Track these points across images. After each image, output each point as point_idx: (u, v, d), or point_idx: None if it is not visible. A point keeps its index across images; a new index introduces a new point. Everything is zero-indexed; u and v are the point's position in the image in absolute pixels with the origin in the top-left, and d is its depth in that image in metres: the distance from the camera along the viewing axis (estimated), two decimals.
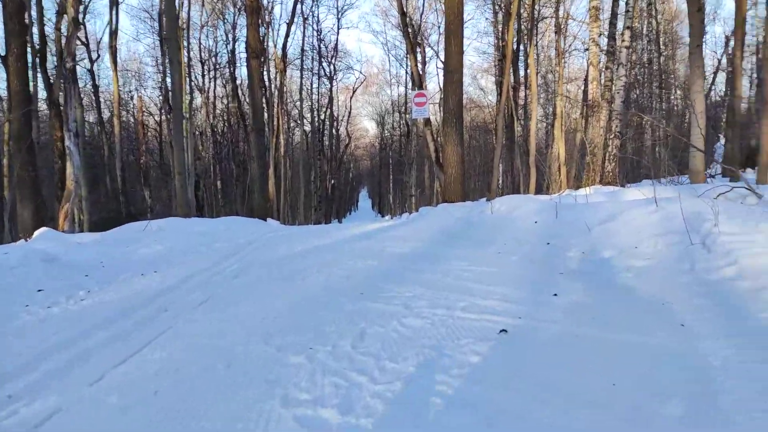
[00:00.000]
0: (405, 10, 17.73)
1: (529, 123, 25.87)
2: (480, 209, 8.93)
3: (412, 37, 17.52)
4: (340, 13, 31.12)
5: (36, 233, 9.47)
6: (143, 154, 22.11)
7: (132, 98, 28.81)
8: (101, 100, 26.47)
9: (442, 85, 10.79)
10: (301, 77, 23.72)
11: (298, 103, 28.22)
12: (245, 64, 14.04)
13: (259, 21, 13.53)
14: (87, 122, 31.74)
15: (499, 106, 11.70)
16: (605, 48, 16.82)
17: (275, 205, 23.14)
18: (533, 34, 17.58)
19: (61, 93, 12.30)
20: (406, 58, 27.11)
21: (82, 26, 10.73)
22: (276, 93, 22.88)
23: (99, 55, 23.48)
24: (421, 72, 17.56)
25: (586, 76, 21.23)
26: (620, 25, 15.03)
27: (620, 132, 15.51)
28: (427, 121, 17.74)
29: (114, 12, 19.69)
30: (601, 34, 16.57)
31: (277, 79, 22.34)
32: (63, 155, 15.80)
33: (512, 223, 6.76)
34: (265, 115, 23.40)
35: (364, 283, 4.47)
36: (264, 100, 23.50)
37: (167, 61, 11.39)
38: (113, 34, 19.79)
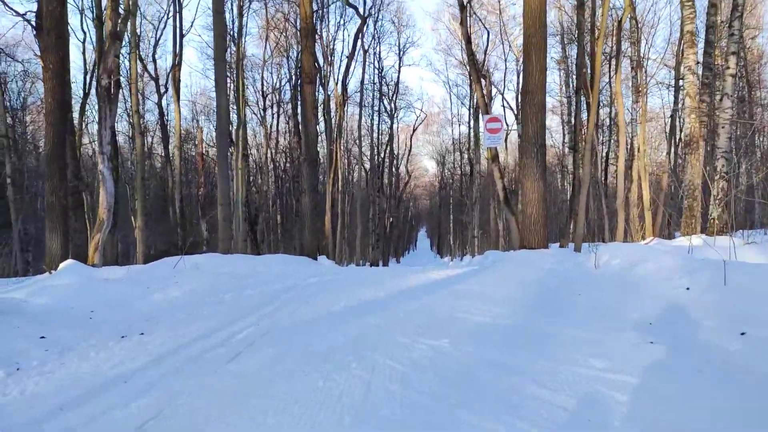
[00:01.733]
0: (470, 37, 16.02)
1: (599, 162, 23.27)
2: (575, 260, 6.74)
3: (478, 66, 15.74)
4: (401, 51, 30.01)
5: (61, 266, 8.14)
6: (201, 185, 21.30)
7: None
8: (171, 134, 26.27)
9: (520, 109, 8.88)
10: (360, 113, 22.43)
11: (357, 140, 26.93)
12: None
13: (314, 44, 12.14)
14: (158, 155, 31.78)
15: (587, 134, 9.57)
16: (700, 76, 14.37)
17: (331, 242, 21.52)
18: (619, 65, 15.35)
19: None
20: (470, 90, 25.40)
21: (119, 42, 9.52)
22: (335, 127, 21.62)
23: (167, 89, 23.09)
24: (487, 102, 15.69)
25: (673, 112, 18.71)
26: (725, 49, 12.65)
27: (727, 173, 12.85)
28: (495, 157, 15.70)
29: (178, 44, 19.17)
30: (698, 63, 14.22)
31: (337, 113, 21.12)
32: (114, 183, 14.88)
33: (640, 286, 4.57)
34: (323, 148, 22.10)
35: (426, 402, 2.47)
36: (322, 134, 22.26)
37: (215, 84, 10.00)
38: (176, 65, 19.21)
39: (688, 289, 4.02)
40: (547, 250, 8.62)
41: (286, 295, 6.37)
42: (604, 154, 24.60)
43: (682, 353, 2.95)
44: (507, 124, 23.71)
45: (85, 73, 19.68)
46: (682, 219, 13.92)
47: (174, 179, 21.19)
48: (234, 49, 22.47)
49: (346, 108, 24.08)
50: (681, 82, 18.55)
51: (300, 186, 16.40)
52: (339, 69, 23.29)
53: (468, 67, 19.61)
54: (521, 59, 28.42)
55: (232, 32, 21.28)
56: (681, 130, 19.44)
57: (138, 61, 25.73)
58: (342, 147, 28.52)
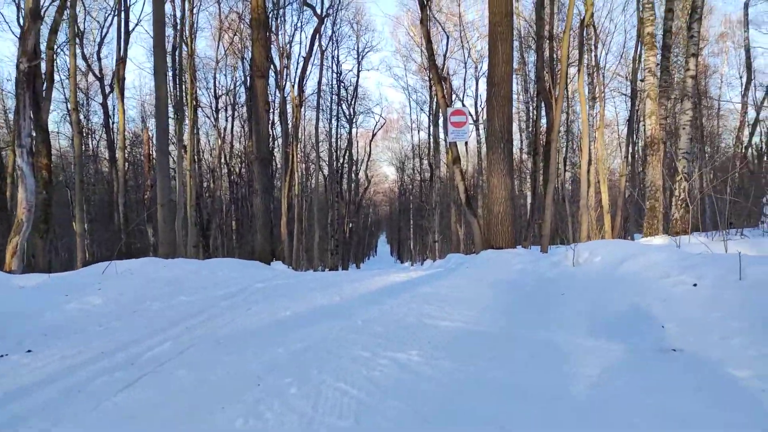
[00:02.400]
0: (430, 36, 15.48)
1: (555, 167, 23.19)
2: (549, 259, 6.10)
3: (438, 66, 15.18)
4: (360, 55, 29.34)
5: None
6: (148, 189, 19.88)
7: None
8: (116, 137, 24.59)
9: (485, 102, 8.28)
10: (317, 117, 21.54)
11: (315, 144, 26.00)
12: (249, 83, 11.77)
13: (267, 37, 11.24)
14: (104, 158, 29.88)
15: (552, 135, 9.08)
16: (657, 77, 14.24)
17: (287, 247, 20.48)
18: (582, 66, 15.08)
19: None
20: (430, 95, 24.92)
21: (41, 20, 8.39)
22: (291, 129, 20.64)
23: (112, 89, 21.59)
24: (447, 104, 15.13)
25: (629, 118, 18.73)
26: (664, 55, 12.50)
27: (687, 174, 12.66)
28: (456, 159, 15.13)
29: (123, 39, 17.83)
30: (657, 65, 14.12)
31: (293, 115, 20.17)
32: (47, 184, 13.46)
33: (633, 283, 3.92)
34: (279, 151, 21.14)
35: None
36: (279, 138, 21.26)
37: (153, 73, 8.96)
38: (120, 62, 17.85)
39: (695, 285, 3.38)
40: (514, 249, 8.01)
41: (226, 302, 5.46)
42: (561, 159, 24.59)
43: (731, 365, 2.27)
44: (472, 118, 23.30)
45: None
46: (644, 220, 13.71)
47: (118, 182, 19.69)
48: (185, 48, 21.25)
49: (303, 110, 23.13)
50: (641, 85, 18.58)
51: (251, 187, 15.33)
52: (296, 71, 22.37)
53: (428, 68, 19.08)
54: (480, 64, 28.40)
55: (180, 28, 20.08)
56: (637, 135, 19.49)
57: (81, 58, 24.12)
58: (299, 151, 27.53)
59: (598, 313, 3.46)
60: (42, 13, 8.35)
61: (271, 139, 28.56)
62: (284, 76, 21.80)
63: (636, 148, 20.23)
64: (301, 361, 2.75)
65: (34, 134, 8.85)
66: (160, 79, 9.40)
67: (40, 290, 6.35)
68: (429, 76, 24.67)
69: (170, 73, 21.21)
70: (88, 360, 3.01)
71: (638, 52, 18.50)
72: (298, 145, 23.99)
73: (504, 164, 8.11)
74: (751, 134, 23.81)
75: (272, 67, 21.90)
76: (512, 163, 8.38)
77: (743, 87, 21.58)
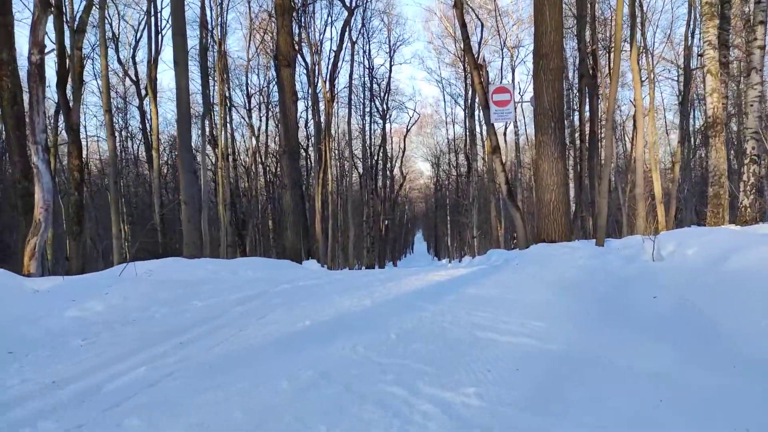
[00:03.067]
0: (465, 21, 14.41)
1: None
2: (619, 254, 5.06)
3: (475, 53, 14.14)
4: (392, 50, 28.40)
5: None
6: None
7: None
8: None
9: (532, 77, 7.28)
10: (349, 111, 20.71)
11: (348, 141, 25.22)
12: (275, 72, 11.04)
13: (292, 23, 10.48)
14: (145, 161, 30.00)
15: (608, 112, 7.95)
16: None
17: (322, 245, 19.79)
18: (634, 39, 13.70)
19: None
20: (465, 86, 23.76)
21: (52, 10, 7.84)
22: (324, 125, 19.93)
23: (147, 92, 21.40)
24: (485, 90, 14.03)
25: (683, 97, 17.11)
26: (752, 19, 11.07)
27: (757, 156, 11.19)
28: (496, 149, 14.05)
29: (154, 41, 17.50)
30: (718, 37, 12.68)
31: (325, 110, 19.45)
32: (79, 186, 13.12)
33: (762, 286, 2.88)
34: (311, 146, 20.49)
35: None
36: (311, 136, 20.60)
37: (173, 64, 8.30)
38: (152, 63, 17.52)
39: None
40: (570, 243, 6.95)
41: (241, 307, 4.66)
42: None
43: None
44: (518, 96, 22.05)
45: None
46: (708, 209, 12.30)
47: (152, 183, 19.44)
48: (216, 47, 20.86)
49: (336, 105, 22.40)
50: (695, 63, 16.96)
51: (281, 181, 14.66)
52: (327, 67, 21.66)
53: (464, 53, 18.00)
54: (516, 52, 26.98)
55: (211, 27, 19.66)
56: (690, 119, 17.84)
57: (117, 62, 24.13)
58: (332, 147, 26.87)
59: (726, 329, 2.46)
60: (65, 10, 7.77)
61: (303, 136, 28.02)
62: (316, 72, 21.13)
63: (689, 133, 18.54)
64: (306, 406, 1.88)
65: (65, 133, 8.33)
66: (180, 71, 8.75)
67: (51, 294, 5.74)
68: (464, 65, 23.55)
69: (199, 72, 20.87)
70: (20, 396, 2.22)
71: (690, 29, 16.87)
72: (331, 141, 23.28)
73: (555, 147, 7.07)
74: None
75: (303, 62, 21.29)
76: (565, 145, 7.33)
77: None
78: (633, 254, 4.76)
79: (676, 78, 23.20)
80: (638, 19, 18.06)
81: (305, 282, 6.66)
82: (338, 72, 21.09)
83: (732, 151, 17.37)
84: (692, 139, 19.51)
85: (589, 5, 17.86)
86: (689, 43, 16.90)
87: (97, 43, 18.59)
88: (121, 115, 29.02)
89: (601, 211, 8.31)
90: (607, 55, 21.74)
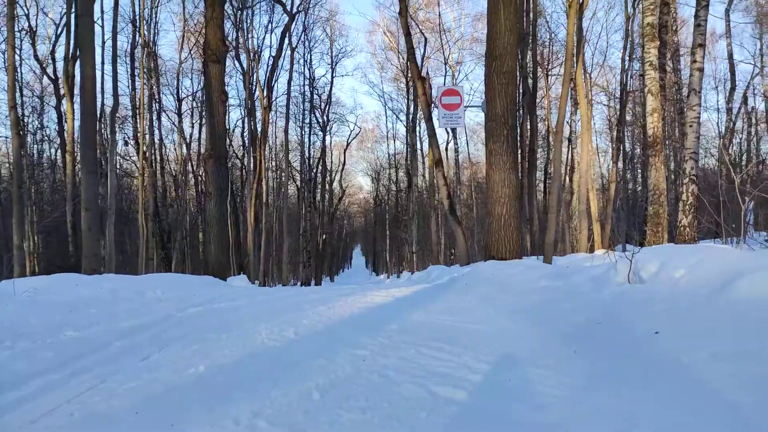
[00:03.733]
0: (410, 30, 13.89)
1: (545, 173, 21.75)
2: (585, 275, 4.39)
3: (418, 62, 13.60)
4: (334, 62, 27.67)
5: None
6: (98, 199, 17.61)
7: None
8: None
9: (484, 81, 6.67)
10: (287, 118, 19.56)
11: (284, 152, 24.05)
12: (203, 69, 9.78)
13: (222, 16, 9.43)
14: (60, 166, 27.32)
15: (557, 125, 7.48)
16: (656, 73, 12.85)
17: (253, 259, 18.45)
18: (581, 55, 13.64)
19: None
20: (407, 102, 23.32)
21: None
22: (259, 133, 18.72)
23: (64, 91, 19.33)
24: (429, 102, 13.47)
25: (620, 117, 17.37)
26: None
27: (695, 176, 11.18)
28: (438, 162, 13.48)
29: (72, 35, 15.68)
30: (659, 57, 12.81)
31: (262, 117, 18.25)
32: None
33: None
34: (243, 153, 19.25)
35: None
36: (242, 143, 19.35)
37: (77, 50, 7.06)
38: (70, 59, 15.67)
39: None
40: (521, 260, 6.30)
41: (125, 341, 3.57)
42: (542, 167, 23.21)
43: None
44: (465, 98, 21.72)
45: None
46: (647, 227, 12.23)
47: (66, 189, 17.39)
48: (142, 44, 19.22)
49: (273, 114, 21.22)
50: (633, 84, 17.29)
51: (204, 189, 13.31)
52: (265, 74, 20.52)
53: (407, 62, 17.49)
54: (458, 70, 26.99)
55: (138, 24, 18.09)
56: (619, 140, 18.16)
57: (34, 59, 21.81)
58: (268, 156, 25.57)
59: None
60: None
61: (239, 145, 26.50)
62: (253, 79, 19.94)
63: (624, 153, 18.89)
64: None
65: None
66: (86, 55, 7.46)
67: None
68: (407, 80, 23.15)
69: (127, 72, 19.13)
70: None
71: (627, 52, 17.23)
72: (268, 151, 22.05)
73: (508, 156, 6.44)
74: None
75: (240, 68, 20.05)
76: (517, 154, 6.73)
77: (727, 94, 20.63)
78: (601, 275, 4.10)
79: (606, 104, 23.94)
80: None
81: (221, 304, 5.59)
82: (276, 79, 20.01)
83: (666, 171, 17.84)
84: (625, 160, 19.97)
85: (531, 26, 17.86)
86: (626, 66, 17.25)
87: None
88: (36, 116, 26.32)
89: (550, 227, 7.79)
90: (545, 77, 22.04)
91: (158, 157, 22.97)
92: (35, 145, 25.92)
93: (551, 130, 20.29)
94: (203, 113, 24.69)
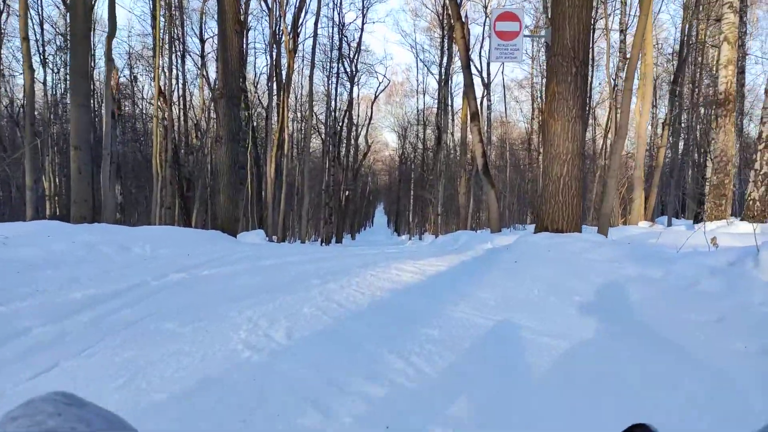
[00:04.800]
0: None
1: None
2: (695, 262, 3.11)
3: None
4: (365, 7, 25.73)
5: None
6: (117, 141, 16.64)
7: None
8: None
9: (551, 5, 5.24)
10: (312, 65, 17.94)
11: (310, 99, 22.62)
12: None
13: None
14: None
15: (630, 71, 6.03)
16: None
17: (270, 214, 17.49)
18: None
19: None
20: (441, 51, 21.51)
21: None
22: (283, 78, 17.37)
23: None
24: (468, 46, 11.96)
25: (677, 72, 15.38)
26: None
27: None
28: (474, 115, 12.04)
29: None
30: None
31: (286, 61, 16.85)
32: None
33: None
34: (262, 98, 18.02)
35: None
36: (261, 80, 18.04)
37: None
38: None
39: None
40: (584, 235, 5.03)
41: (34, 332, 2.50)
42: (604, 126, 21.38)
43: None
44: (484, 82, 19.94)
45: None
46: (707, 199, 10.70)
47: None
48: None
49: (298, 61, 19.76)
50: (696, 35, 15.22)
51: (215, 132, 12.12)
52: (292, 14, 18.92)
53: (446, 4, 15.75)
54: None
55: None
56: (676, 99, 16.21)
57: None
58: (291, 105, 24.22)
59: None
60: None
61: (263, 93, 25.17)
62: (278, 20, 18.38)
63: (678, 112, 16.92)
64: None
65: None
66: None
67: None
68: (442, 27, 21.28)
69: (149, 8, 17.76)
70: None
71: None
72: (292, 100, 20.71)
73: (574, 101, 5.07)
74: None
75: (265, 5, 18.50)
76: (585, 99, 5.35)
77: None
78: (724, 266, 2.83)
79: (656, 61, 21.63)
80: None
81: (215, 269, 4.52)
82: (303, 22, 18.42)
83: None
84: (672, 123, 18.02)
85: None
86: (689, 14, 15.10)
87: None
88: (60, 53, 25.19)
89: (609, 193, 6.44)
90: (605, 13, 19.72)
91: (181, 103, 21.87)
92: (60, 84, 24.87)
93: (607, 77, 18.34)
94: None
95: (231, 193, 8.92)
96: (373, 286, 3.62)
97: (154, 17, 17.51)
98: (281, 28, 18.13)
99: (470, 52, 12.96)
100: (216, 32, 23.35)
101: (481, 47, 21.02)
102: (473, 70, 14.36)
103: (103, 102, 12.32)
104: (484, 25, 21.02)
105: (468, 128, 14.05)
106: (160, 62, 14.82)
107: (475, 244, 8.74)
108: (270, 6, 17.20)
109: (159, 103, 14.33)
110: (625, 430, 0.57)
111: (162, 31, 15.32)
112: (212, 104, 23.80)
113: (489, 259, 5.13)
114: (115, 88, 17.93)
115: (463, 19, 15.09)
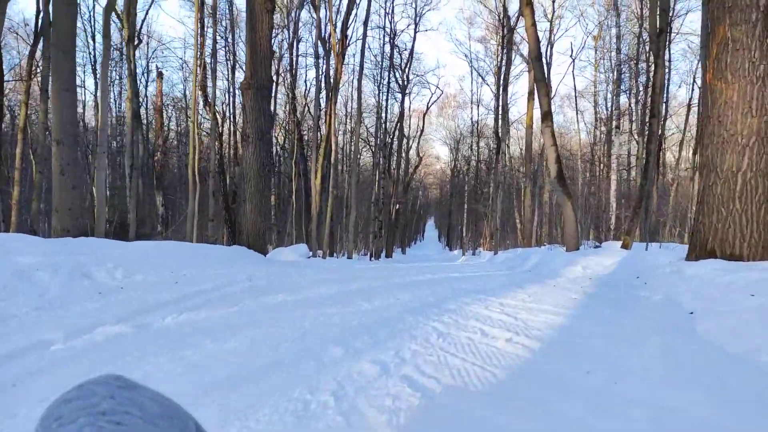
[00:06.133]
0: None
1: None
2: None
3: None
4: (417, 15, 24.16)
5: None
6: (159, 149, 15.74)
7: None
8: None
9: None
10: (361, 68, 16.14)
11: (359, 105, 21.11)
12: None
13: None
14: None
15: None
16: None
17: (315, 226, 15.96)
18: None
19: None
20: (497, 61, 19.49)
21: None
22: (331, 82, 15.91)
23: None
24: (537, 37, 10.01)
25: None
26: None
27: None
28: (546, 115, 10.01)
29: None
30: None
31: (335, 64, 15.38)
32: None
33: None
34: (305, 103, 16.64)
35: None
36: (311, 88, 16.64)
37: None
38: None
39: None
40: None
41: None
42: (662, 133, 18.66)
43: None
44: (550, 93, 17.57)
45: None
46: None
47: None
48: None
49: (345, 63, 18.26)
50: None
51: (242, 130, 10.55)
52: (339, 12, 17.53)
53: None
54: (555, 27, 21.97)
55: None
56: None
57: None
58: (340, 116, 22.82)
59: None
60: None
61: (309, 99, 23.94)
62: (325, 20, 16.99)
63: None
64: None
65: None
66: None
67: None
68: (500, 33, 19.33)
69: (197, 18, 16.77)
70: None
71: None
72: (339, 110, 19.25)
73: (761, 51, 3.04)
74: None
75: (313, 7, 17.17)
76: None
77: None
78: None
79: None
80: None
81: (184, 315, 2.79)
82: (353, 20, 16.96)
83: None
84: None
85: None
86: None
87: None
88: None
89: None
90: None
91: (229, 112, 20.88)
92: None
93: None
94: (280, 69, 22.23)
95: (259, 202, 7.33)
96: (447, 367, 1.77)
97: (201, 25, 16.59)
98: (329, 32, 16.72)
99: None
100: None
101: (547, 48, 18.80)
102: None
103: (98, 90, 11.13)
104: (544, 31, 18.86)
105: (532, 132, 12.03)
106: (198, 71, 13.71)
107: (560, 268, 6.64)
108: (317, 4, 15.80)
109: (199, 110, 13.13)
110: None
111: (204, 37, 14.21)
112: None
113: (627, 304, 3.15)
114: (158, 98, 17.12)
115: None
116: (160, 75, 15.51)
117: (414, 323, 2.56)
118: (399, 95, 25.93)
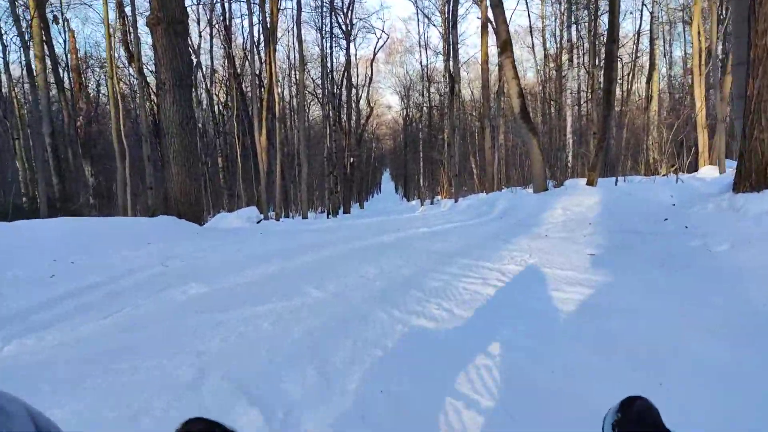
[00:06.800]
0: None
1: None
2: None
3: None
4: None
5: None
6: (81, 113, 13.67)
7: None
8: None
9: None
10: (299, 11, 14.27)
11: (300, 56, 19.33)
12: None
13: None
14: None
15: None
16: None
17: (267, 187, 14.64)
18: None
19: None
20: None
21: None
22: (269, 32, 14.14)
23: None
24: None
25: None
26: None
27: None
28: (506, 44, 8.99)
29: None
30: None
31: (270, 9, 13.56)
32: None
33: None
34: (250, 60, 14.97)
35: None
36: (252, 41, 14.84)
37: None
38: None
39: None
40: None
41: None
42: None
43: None
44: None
45: None
46: None
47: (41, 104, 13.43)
48: None
49: (283, 17, 16.39)
50: None
51: (156, 77, 8.92)
52: None
53: None
54: None
55: None
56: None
57: None
58: (283, 67, 21.03)
59: None
60: None
61: (242, 50, 21.96)
62: None
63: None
64: None
65: None
66: None
67: None
68: None
69: None
70: None
71: None
72: (280, 56, 17.48)
73: None
74: None
75: None
76: None
77: None
78: None
79: None
80: None
81: (20, 343, 1.72)
82: None
83: None
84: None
85: None
86: None
87: None
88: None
89: None
90: None
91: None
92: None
93: None
94: (213, 21, 19.96)
95: (186, 161, 6.04)
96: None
97: None
98: None
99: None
100: None
101: None
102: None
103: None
104: None
105: (488, 69, 10.91)
106: (114, 15, 11.68)
107: (537, 213, 5.81)
108: None
109: (118, 65, 11.27)
110: (622, 400, 0.63)
111: None
112: (212, 83, 20.59)
113: (682, 262, 2.29)
114: (73, 54, 14.84)
115: None
116: (55, 20, 13.27)
117: (388, 325, 1.60)
118: (344, 42, 24.11)
